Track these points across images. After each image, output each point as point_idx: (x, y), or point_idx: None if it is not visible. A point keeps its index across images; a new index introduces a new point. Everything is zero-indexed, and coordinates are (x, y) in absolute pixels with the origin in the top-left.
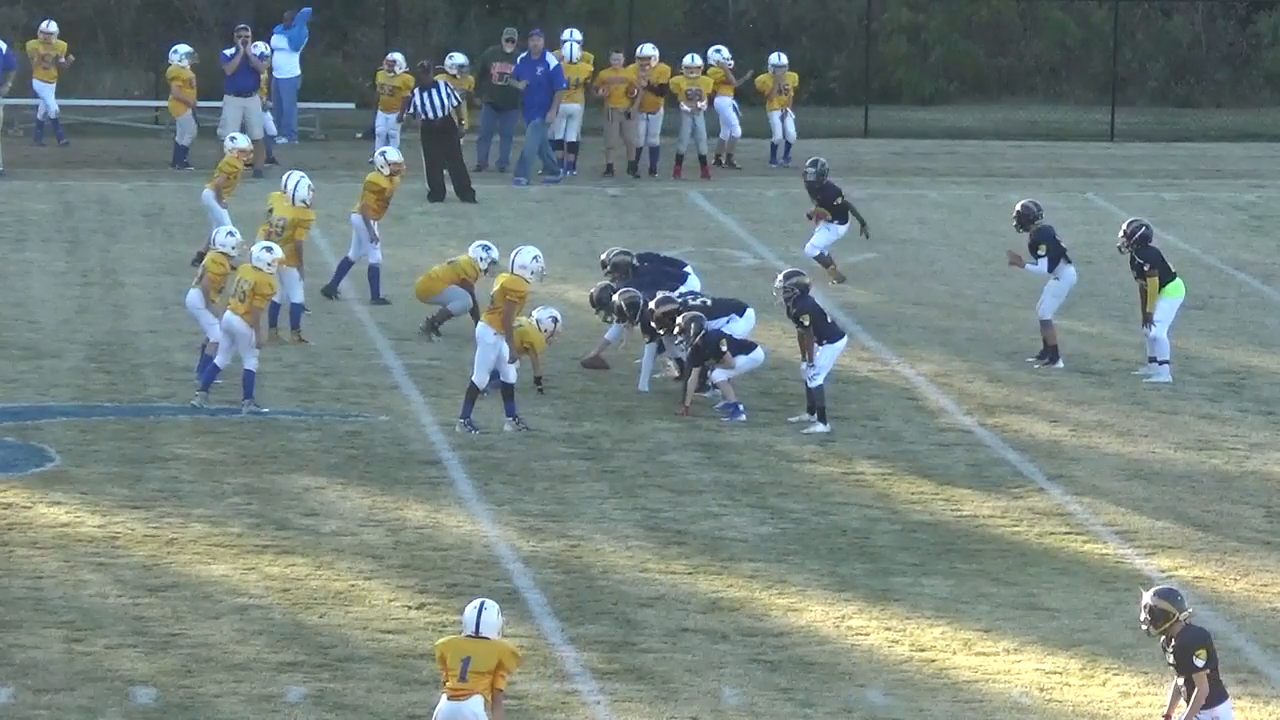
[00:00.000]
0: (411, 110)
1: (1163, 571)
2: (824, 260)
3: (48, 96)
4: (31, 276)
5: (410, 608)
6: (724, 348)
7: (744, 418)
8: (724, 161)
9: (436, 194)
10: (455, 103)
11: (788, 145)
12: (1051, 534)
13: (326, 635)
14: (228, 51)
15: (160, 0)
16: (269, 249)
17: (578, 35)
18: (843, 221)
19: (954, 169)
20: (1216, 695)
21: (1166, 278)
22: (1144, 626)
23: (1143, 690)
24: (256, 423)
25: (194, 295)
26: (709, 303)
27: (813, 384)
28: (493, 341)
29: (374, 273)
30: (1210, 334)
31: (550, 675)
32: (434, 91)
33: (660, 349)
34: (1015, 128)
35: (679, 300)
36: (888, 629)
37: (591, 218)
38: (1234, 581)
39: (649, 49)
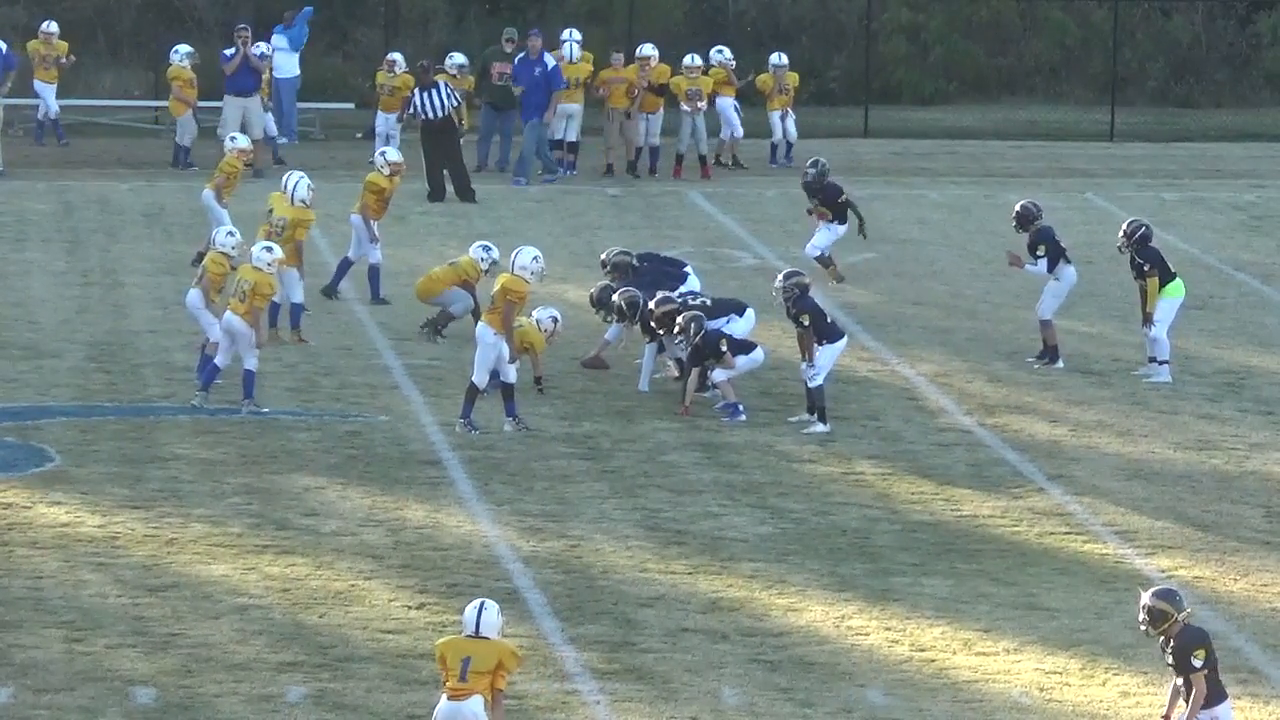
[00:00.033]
0: (411, 110)
1: (1163, 571)
2: (824, 260)
3: (48, 97)
4: (31, 276)
5: (410, 608)
6: (724, 348)
7: (744, 418)
8: (730, 162)
9: (436, 194)
10: (455, 103)
11: (789, 145)
12: (1051, 534)
13: (326, 635)
14: (228, 51)
15: (160, 0)
16: (269, 249)
17: (577, 35)
18: (843, 221)
19: (954, 169)
20: (1216, 695)
21: (1166, 278)
22: (1143, 627)
23: (1143, 690)
24: (256, 423)
25: (194, 295)
26: (709, 303)
27: (813, 384)
28: (493, 341)
29: (374, 273)
30: (1210, 334)
31: (550, 675)
32: (434, 91)
33: (660, 349)
34: (1015, 128)
35: (679, 300)
36: (888, 629)
37: (591, 218)
38: (1234, 581)
39: (649, 49)
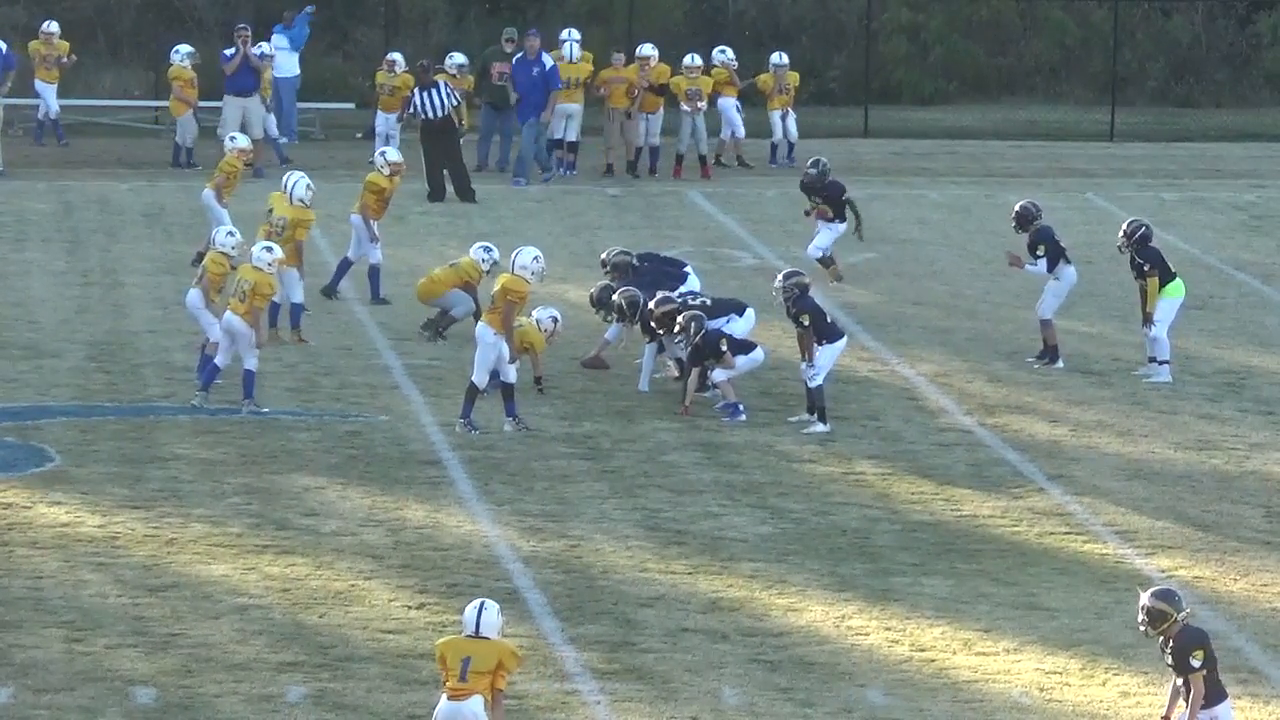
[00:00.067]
0: (411, 110)
1: (1163, 571)
2: (825, 260)
3: (49, 97)
4: (31, 276)
5: (410, 608)
6: (724, 347)
7: (744, 418)
8: (735, 162)
9: (436, 194)
10: (455, 103)
11: (790, 145)
12: (1051, 534)
13: (326, 635)
14: (228, 51)
15: (160, 0)
16: (269, 249)
17: (576, 35)
18: (844, 220)
19: (954, 169)
20: (1215, 695)
21: (1166, 278)
22: (1142, 628)
23: (1143, 690)
24: (256, 423)
25: (194, 295)
26: (709, 303)
27: (812, 384)
28: (492, 341)
29: (374, 273)
30: (1210, 334)
31: (550, 675)
32: (434, 91)
33: (660, 349)
34: (1015, 128)
35: (679, 300)
36: (888, 629)
37: (591, 218)
38: (1234, 581)
39: (648, 49)
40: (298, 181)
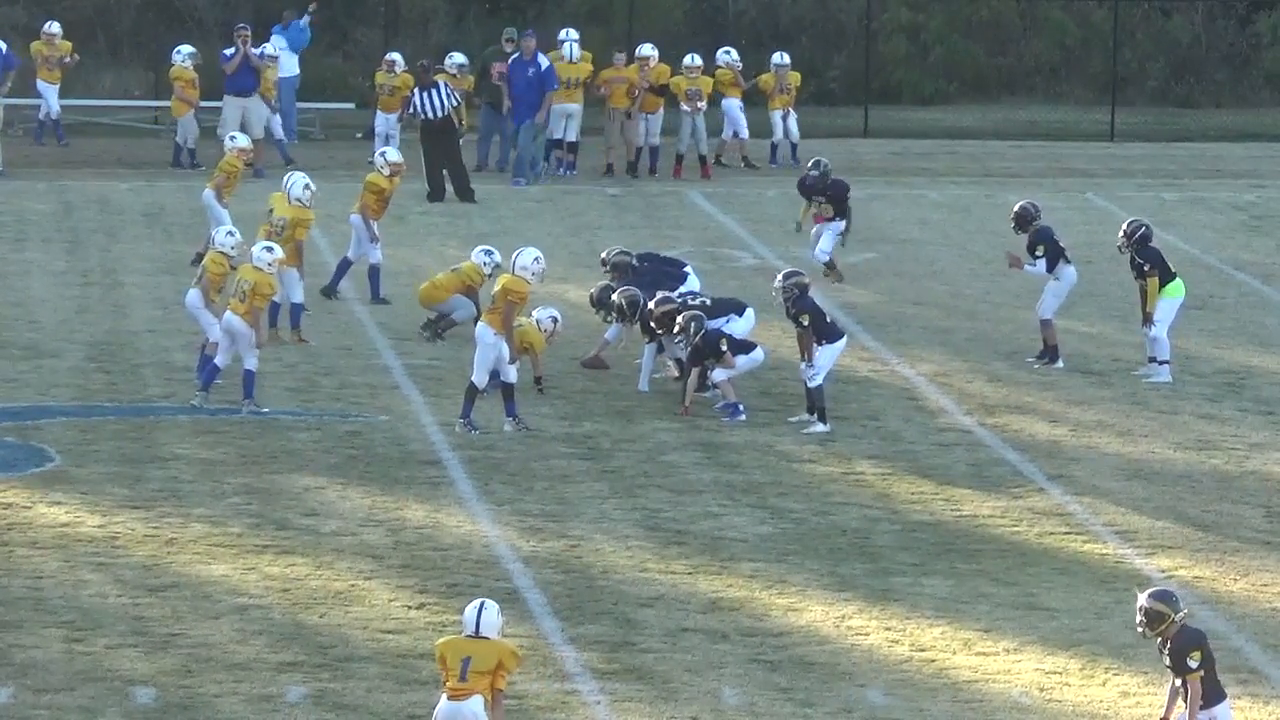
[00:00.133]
0: (411, 110)
1: (1163, 571)
2: (830, 263)
3: (50, 97)
4: (31, 276)
5: (410, 608)
6: (724, 347)
7: (744, 418)
8: (740, 163)
9: (436, 194)
10: (455, 103)
11: (793, 146)
12: (1051, 534)
13: (326, 635)
14: (228, 51)
15: (160, 0)
16: (269, 249)
17: (575, 35)
18: (844, 218)
19: (954, 169)
20: (1214, 695)
21: (1166, 278)
22: (1139, 628)
23: (1143, 690)
24: (256, 423)
25: (194, 295)
26: (709, 303)
27: (812, 384)
28: (492, 341)
29: (374, 273)
30: (1210, 334)
31: (550, 675)
32: (434, 91)
33: (660, 349)
34: (1015, 128)
35: (679, 300)
36: (888, 629)
37: (591, 218)
38: (1234, 581)
39: (648, 49)
40: (296, 181)
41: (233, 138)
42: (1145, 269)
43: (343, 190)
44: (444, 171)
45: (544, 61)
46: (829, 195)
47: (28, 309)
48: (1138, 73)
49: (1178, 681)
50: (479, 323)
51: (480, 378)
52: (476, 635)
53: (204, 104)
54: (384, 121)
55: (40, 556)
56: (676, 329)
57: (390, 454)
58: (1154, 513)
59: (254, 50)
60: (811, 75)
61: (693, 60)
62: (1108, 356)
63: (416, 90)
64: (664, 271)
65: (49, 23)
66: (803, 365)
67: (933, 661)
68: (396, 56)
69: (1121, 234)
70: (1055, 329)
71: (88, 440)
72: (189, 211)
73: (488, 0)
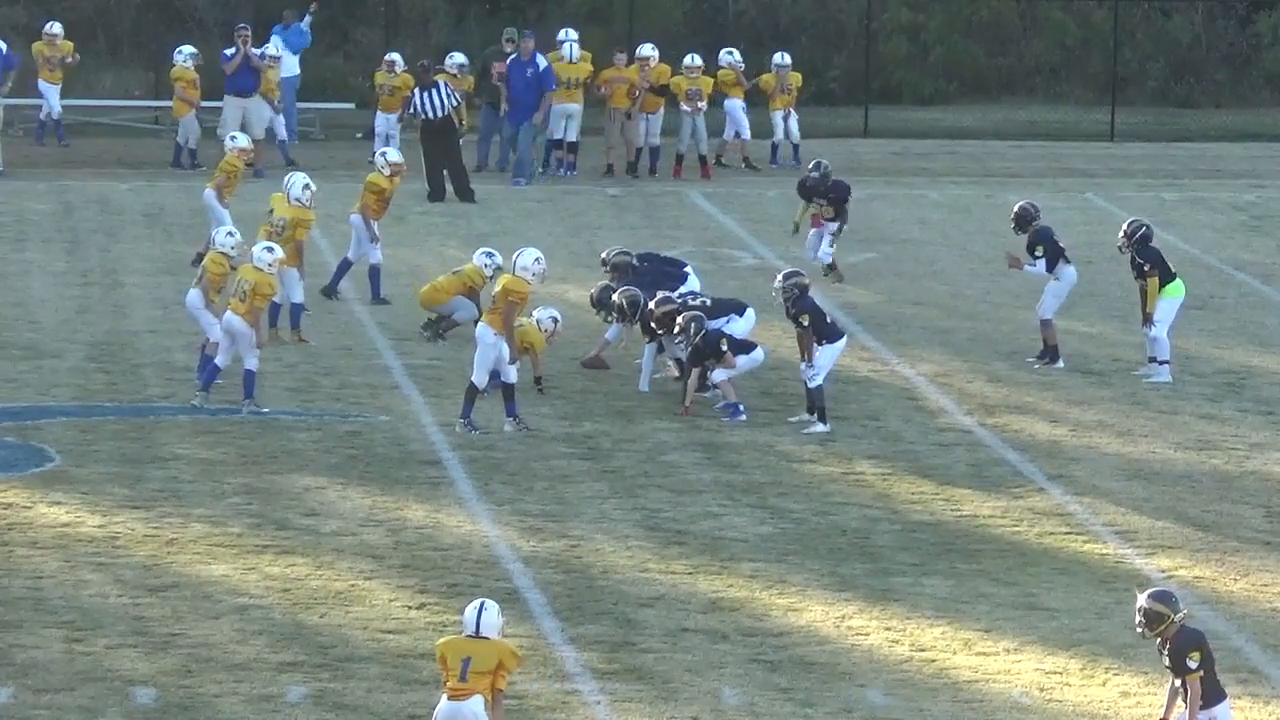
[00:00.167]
0: (411, 110)
1: (1163, 571)
2: (832, 264)
3: (52, 97)
4: (31, 276)
5: (410, 608)
6: (724, 348)
7: (744, 418)
8: (742, 164)
9: (436, 194)
10: (455, 103)
11: (794, 147)
12: (1051, 534)
13: (326, 635)
14: (228, 51)
15: (160, 0)
16: (270, 249)
17: (574, 35)
18: (843, 218)
19: (954, 169)
20: (1213, 695)
21: (1166, 278)
22: (1139, 629)
23: (1143, 690)
24: (256, 423)
25: (194, 295)
26: (709, 303)
27: (812, 384)
28: (492, 341)
29: (374, 273)
30: (1210, 334)
31: (550, 675)
32: (434, 91)
33: (660, 349)
34: (1015, 128)
35: (679, 300)
36: (888, 629)
37: (591, 218)
38: (1234, 581)
39: (648, 49)
40: (296, 182)
41: (233, 138)
42: (1145, 269)
43: (343, 190)
44: (444, 172)
45: (542, 62)
46: (829, 197)
47: (28, 309)
48: (1138, 73)
49: (1177, 682)
50: (479, 323)
51: (480, 378)
52: (477, 635)
53: (204, 104)
54: (384, 121)
55: (40, 556)
56: (677, 329)
57: (390, 454)
58: (1154, 513)
59: (255, 51)
60: (811, 75)
61: (693, 60)
62: (1108, 356)
63: (416, 90)
64: (664, 271)
65: (50, 23)
66: (803, 365)
67: (933, 661)
68: (396, 56)
69: (1122, 234)
70: (1055, 329)
71: (88, 440)
72: (189, 212)
73: (488, 0)
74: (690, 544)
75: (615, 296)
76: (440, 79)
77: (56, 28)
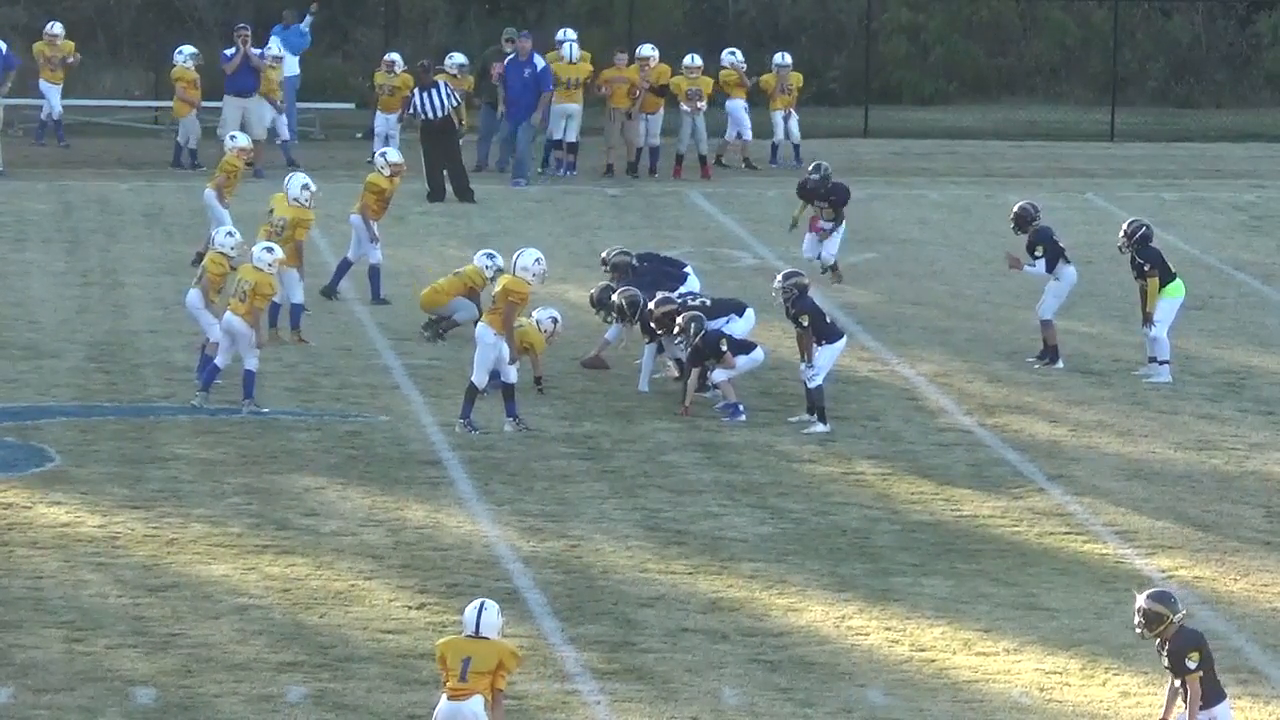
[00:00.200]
0: (411, 110)
1: (1163, 571)
2: (835, 265)
3: (53, 97)
4: (31, 276)
5: (410, 608)
6: (724, 348)
7: (744, 418)
8: (742, 164)
9: (436, 194)
10: (455, 103)
11: (795, 147)
12: (1051, 534)
13: (326, 635)
14: (228, 51)
15: (160, 0)
16: (270, 249)
17: (573, 35)
18: (841, 220)
19: (954, 169)
20: (1213, 695)
21: (1166, 278)
22: (1138, 630)
23: (1143, 690)
24: (256, 423)
25: (194, 295)
26: (709, 303)
27: (812, 384)
28: (492, 342)
29: (374, 273)
30: (1210, 334)
31: (550, 675)
32: (433, 91)
33: (660, 349)
34: (1015, 128)
35: (679, 300)
36: (888, 629)
37: (591, 218)
38: (1234, 581)
39: (648, 49)
40: (296, 182)
41: (233, 137)
42: (1145, 269)
43: (343, 190)
44: (444, 172)
45: (540, 62)
46: (830, 199)
47: (28, 309)
48: (1138, 73)
49: (1177, 682)
50: (479, 323)
51: (480, 378)
52: (477, 635)
53: (205, 104)
54: (384, 122)
55: (40, 556)
56: (676, 329)
57: (390, 454)
58: (1154, 513)
59: (256, 51)
60: (812, 75)
61: (693, 60)
62: (1108, 356)
63: (416, 90)
64: (664, 271)
65: (51, 23)
66: (803, 365)
67: (933, 661)
68: (396, 56)
69: (1122, 234)
70: (1055, 329)
71: (88, 440)
72: (189, 212)
73: (488, 0)
74: (690, 544)
75: (615, 297)
76: (440, 79)
77: (57, 28)
